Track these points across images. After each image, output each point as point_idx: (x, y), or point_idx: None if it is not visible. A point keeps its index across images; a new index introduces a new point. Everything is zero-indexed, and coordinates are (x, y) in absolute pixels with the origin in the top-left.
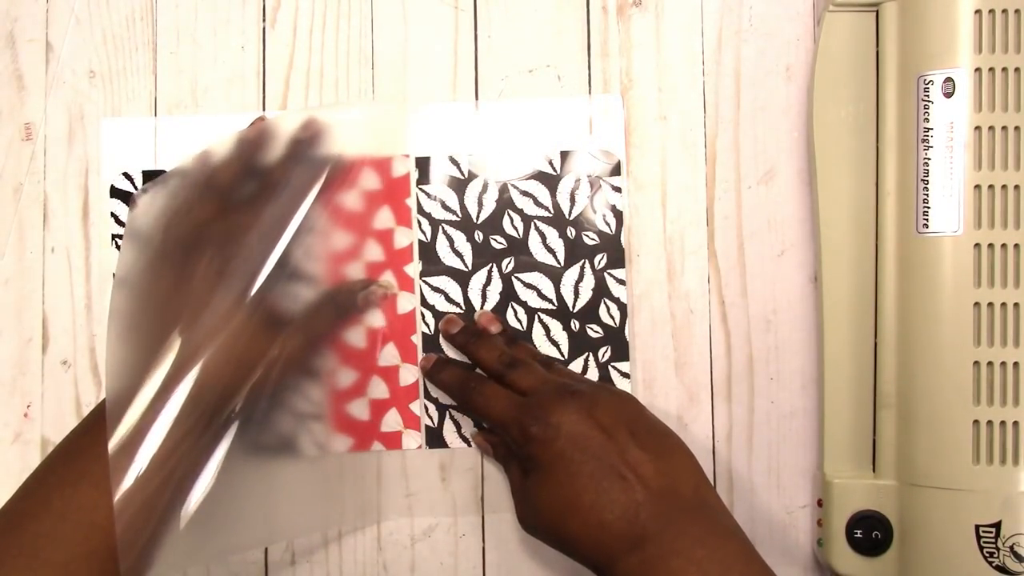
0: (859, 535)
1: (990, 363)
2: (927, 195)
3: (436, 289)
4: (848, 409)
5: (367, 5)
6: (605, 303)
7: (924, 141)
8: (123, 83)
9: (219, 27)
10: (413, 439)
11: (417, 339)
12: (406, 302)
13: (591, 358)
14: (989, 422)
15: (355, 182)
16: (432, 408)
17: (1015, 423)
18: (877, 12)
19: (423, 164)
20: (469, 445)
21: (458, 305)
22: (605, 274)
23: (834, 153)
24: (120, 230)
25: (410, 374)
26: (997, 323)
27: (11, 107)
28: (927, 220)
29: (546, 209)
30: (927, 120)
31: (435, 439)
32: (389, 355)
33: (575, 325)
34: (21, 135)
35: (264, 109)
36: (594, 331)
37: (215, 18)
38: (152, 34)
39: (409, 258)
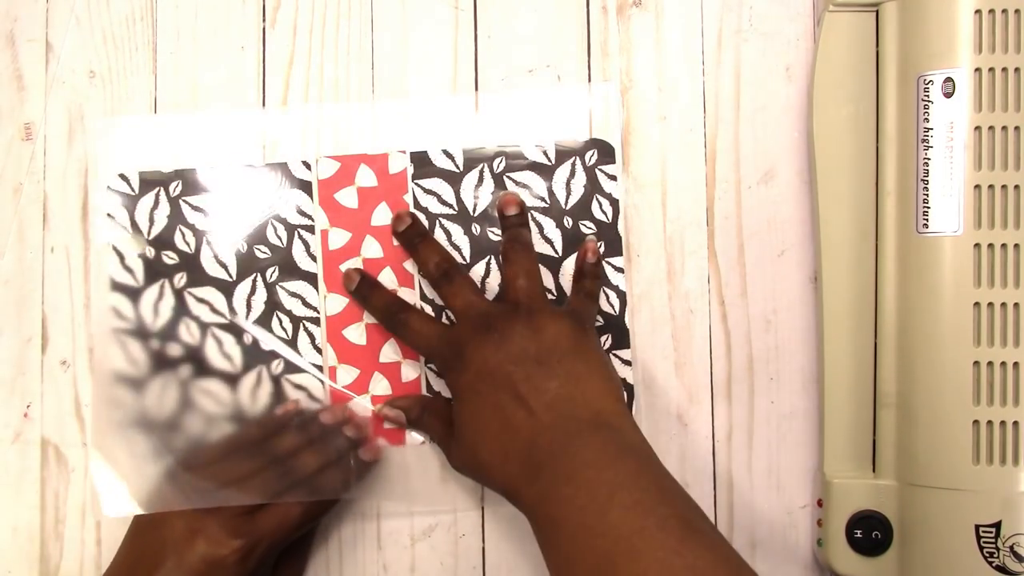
0: (859, 535)
1: (990, 363)
2: (927, 195)
3: None
4: (848, 409)
5: (367, 5)
6: (604, 291)
7: (924, 141)
8: (123, 83)
9: (219, 27)
10: (417, 435)
11: None
12: (406, 298)
13: None
14: (989, 422)
15: (351, 179)
16: None
17: (1015, 423)
18: (877, 12)
19: (418, 159)
20: None
21: None
22: (603, 263)
23: (834, 153)
24: (114, 232)
25: (412, 370)
26: (997, 323)
27: (11, 107)
28: (927, 220)
29: (542, 200)
30: (927, 120)
31: None
32: (390, 352)
33: None
34: (21, 135)
35: (264, 108)
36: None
37: (215, 18)
38: (152, 34)
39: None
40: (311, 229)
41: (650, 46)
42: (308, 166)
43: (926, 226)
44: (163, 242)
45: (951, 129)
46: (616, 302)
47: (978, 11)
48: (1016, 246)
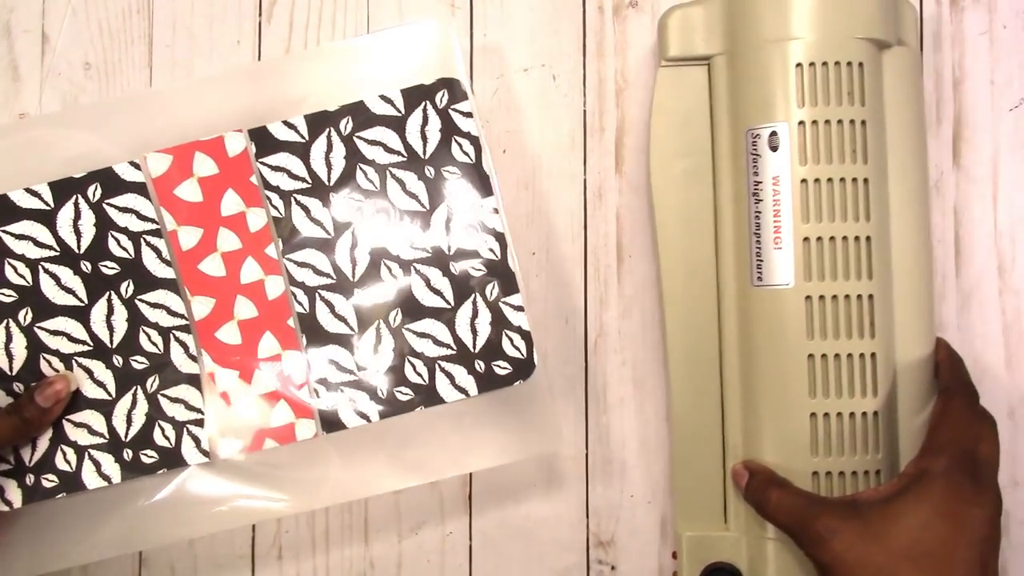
0: None
1: (826, 414)
2: (759, 248)
3: (302, 264)
4: (698, 463)
5: (363, 1)
6: (482, 236)
7: (755, 195)
8: (118, 75)
9: (215, 21)
10: (307, 428)
11: (294, 322)
12: (274, 286)
13: (479, 299)
14: (828, 473)
15: (188, 171)
16: (323, 390)
17: (853, 473)
18: (709, 66)
19: (258, 135)
20: (368, 421)
21: (328, 276)
22: (476, 207)
23: (673, 206)
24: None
25: (294, 362)
26: (832, 374)
27: (6, 98)
28: (760, 273)
29: (399, 154)
30: (756, 173)
31: (330, 423)
32: (269, 346)
33: (454, 268)
34: None
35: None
36: (476, 269)
37: (211, 12)
38: (148, 27)
39: (268, 239)
40: (157, 233)
41: (646, 47)
42: (137, 166)
43: (760, 279)
44: None
45: (777, 183)
46: (496, 245)
47: (799, 64)
48: (846, 297)
